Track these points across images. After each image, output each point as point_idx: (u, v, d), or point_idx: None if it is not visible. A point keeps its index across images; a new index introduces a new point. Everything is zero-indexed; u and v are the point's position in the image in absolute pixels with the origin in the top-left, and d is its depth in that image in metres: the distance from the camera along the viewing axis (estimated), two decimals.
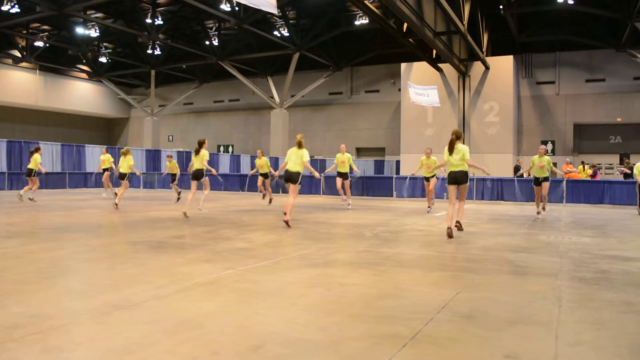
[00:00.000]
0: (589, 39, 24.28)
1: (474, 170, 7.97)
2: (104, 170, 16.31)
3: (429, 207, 12.21)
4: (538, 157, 10.66)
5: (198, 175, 10.04)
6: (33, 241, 6.33)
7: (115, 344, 2.68)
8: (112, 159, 16.45)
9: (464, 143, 7.64)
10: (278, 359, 2.53)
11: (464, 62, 25.22)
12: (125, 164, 12.05)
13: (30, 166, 13.34)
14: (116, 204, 11.21)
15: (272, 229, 7.99)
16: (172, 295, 3.71)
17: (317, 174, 9.39)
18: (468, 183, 7.55)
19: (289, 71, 27.71)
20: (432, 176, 12.16)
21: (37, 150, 13.56)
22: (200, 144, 10.03)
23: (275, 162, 29.14)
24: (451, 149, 7.40)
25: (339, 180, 12.96)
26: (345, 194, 13.02)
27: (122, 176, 12.03)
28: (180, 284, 4.05)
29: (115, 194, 12.85)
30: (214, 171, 10.52)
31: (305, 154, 8.55)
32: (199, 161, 9.97)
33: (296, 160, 8.49)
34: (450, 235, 7.09)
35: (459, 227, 7.63)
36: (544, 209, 10.94)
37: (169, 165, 15.36)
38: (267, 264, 4.99)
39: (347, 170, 12.78)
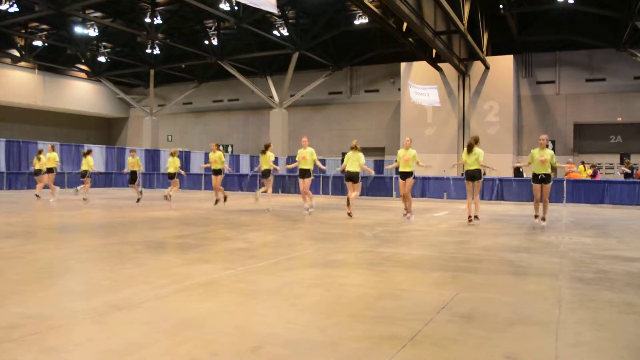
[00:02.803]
0: (589, 38, 24.29)
1: (484, 169, 9.40)
2: (48, 170, 14.22)
3: (405, 210, 9.76)
4: (538, 150, 8.78)
5: (266, 174, 11.41)
6: (32, 241, 6.32)
7: (114, 344, 2.67)
8: (57, 158, 14.48)
9: (473, 145, 9.27)
10: (277, 359, 2.52)
11: (464, 62, 25.23)
12: (173, 165, 13.11)
13: (83, 168, 14.03)
14: (168, 199, 12.24)
15: (271, 229, 7.99)
16: (171, 296, 3.70)
17: (372, 172, 10.48)
18: (482, 179, 9.29)
19: (289, 71, 27.71)
20: (409, 174, 9.64)
21: (90, 152, 14.32)
22: (267, 147, 11.46)
23: (275, 162, 29.07)
24: (470, 151, 9.10)
25: (300, 183, 10.75)
26: (307, 195, 10.87)
27: (171, 176, 13.10)
28: (180, 284, 4.04)
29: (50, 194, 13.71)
30: (277, 168, 11.92)
31: (361, 157, 10.02)
32: (267, 162, 11.32)
33: (354, 162, 9.97)
34: (470, 221, 8.97)
35: (476, 218, 9.09)
36: (543, 219, 8.85)
37: (131, 161, 13.71)
38: (266, 264, 4.98)
39: (310, 167, 10.64)
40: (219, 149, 12.24)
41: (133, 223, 8.71)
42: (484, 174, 9.49)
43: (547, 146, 8.85)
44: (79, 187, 14.65)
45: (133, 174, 13.71)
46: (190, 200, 15.16)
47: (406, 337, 2.85)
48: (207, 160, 28.29)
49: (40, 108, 35.47)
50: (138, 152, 25.61)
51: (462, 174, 10.73)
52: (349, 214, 9.86)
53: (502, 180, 16.42)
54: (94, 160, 14.76)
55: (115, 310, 3.29)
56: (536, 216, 9.03)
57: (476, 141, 9.27)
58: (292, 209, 12.08)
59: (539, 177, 8.78)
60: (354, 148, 10.11)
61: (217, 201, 12.15)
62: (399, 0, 15.47)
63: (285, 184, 19.82)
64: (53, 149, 14.79)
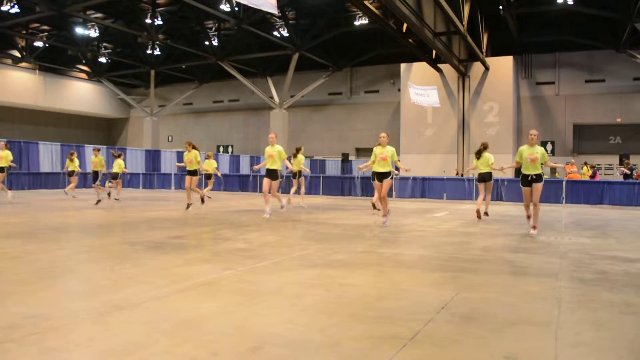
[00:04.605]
0: (588, 39, 24.31)
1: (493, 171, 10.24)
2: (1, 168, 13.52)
3: (384, 216, 8.68)
4: (528, 147, 7.70)
5: (296, 175, 12.57)
6: (32, 241, 6.31)
7: (114, 344, 2.67)
8: (11, 157, 13.68)
9: (481, 151, 10.25)
10: (277, 359, 2.52)
11: (463, 63, 25.24)
12: (211, 166, 14.65)
13: (115, 170, 14.58)
14: (206, 197, 13.17)
15: (271, 229, 7.99)
16: (171, 296, 3.70)
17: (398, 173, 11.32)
18: (492, 181, 10.26)
19: (289, 71, 27.72)
20: (387, 175, 8.51)
21: (120, 155, 15.07)
22: (297, 150, 12.52)
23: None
24: (479, 156, 10.06)
25: (266, 182, 9.77)
26: (275, 196, 10.00)
27: (208, 176, 14.73)
28: (179, 285, 4.04)
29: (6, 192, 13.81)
30: (307, 170, 13.52)
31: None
32: (297, 164, 12.37)
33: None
34: (479, 217, 9.92)
35: (486, 214, 10.11)
36: (534, 227, 7.68)
37: (95, 160, 13.14)
38: (266, 264, 4.98)
39: (278, 167, 9.77)
40: (194, 148, 11.44)
41: (133, 223, 8.71)
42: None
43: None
44: (109, 187, 15.21)
45: (95, 174, 13.15)
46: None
47: (406, 337, 2.85)
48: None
49: (41, 108, 35.49)
50: (138, 153, 25.71)
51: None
52: (375, 206, 10.83)
53: (501, 181, 16.42)
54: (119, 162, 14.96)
55: (115, 310, 3.29)
56: (528, 217, 8.09)
57: (485, 147, 10.14)
58: (293, 209, 12.09)
59: (529, 178, 7.63)
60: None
61: (189, 205, 11.14)
62: (399, 1, 15.49)
63: (285, 184, 19.81)
64: (6, 146, 14.02)
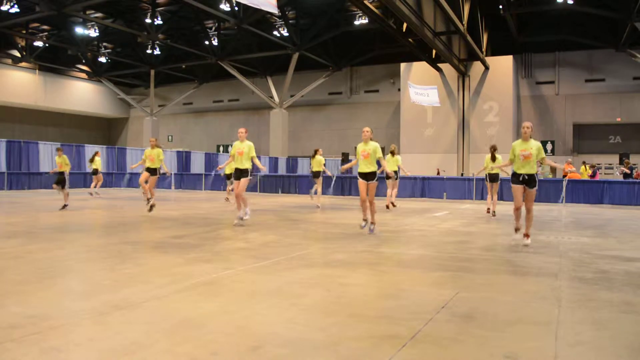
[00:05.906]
0: (588, 39, 24.31)
1: (497, 170, 10.88)
2: None
3: (364, 220, 7.68)
4: (521, 142, 6.54)
5: (316, 175, 12.89)
6: (32, 241, 6.32)
7: (115, 344, 2.68)
8: None
9: (494, 154, 10.89)
10: (277, 359, 2.52)
11: (463, 62, 25.25)
12: (230, 168, 15.98)
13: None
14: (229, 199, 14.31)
15: (271, 229, 7.99)
16: (171, 296, 3.70)
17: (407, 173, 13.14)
18: (499, 182, 11.38)
19: (289, 71, 27.73)
20: (371, 175, 7.45)
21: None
22: (316, 151, 13.05)
23: (275, 162, 29.03)
24: (493, 159, 10.70)
25: (237, 184, 8.51)
26: (241, 200, 8.53)
27: (228, 177, 15.10)
28: (180, 284, 4.04)
29: None
30: (328, 172, 13.83)
31: (399, 159, 12.25)
32: (317, 164, 12.80)
33: (393, 164, 11.71)
34: (488, 212, 11.29)
35: (494, 214, 11.00)
36: (527, 235, 6.50)
37: (59, 160, 11.89)
38: (266, 264, 4.98)
39: (248, 166, 8.44)
40: (158, 146, 10.64)
41: (133, 223, 8.71)
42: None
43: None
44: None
45: (60, 175, 11.69)
46: (191, 200, 15.17)
47: (406, 336, 2.86)
48: (212, 159, 28.48)
49: (41, 108, 35.50)
50: (138, 153, 25.65)
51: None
52: (389, 206, 12.11)
53: (501, 181, 16.42)
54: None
55: (115, 310, 3.29)
56: (517, 229, 6.68)
57: (495, 150, 10.85)
58: (292, 209, 12.10)
59: (521, 177, 6.45)
60: (392, 152, 12.07)
61: (149, 201, 10.46)
62: (399, 0, 15.50)
63: (285, 184, 19.83)
64: None
